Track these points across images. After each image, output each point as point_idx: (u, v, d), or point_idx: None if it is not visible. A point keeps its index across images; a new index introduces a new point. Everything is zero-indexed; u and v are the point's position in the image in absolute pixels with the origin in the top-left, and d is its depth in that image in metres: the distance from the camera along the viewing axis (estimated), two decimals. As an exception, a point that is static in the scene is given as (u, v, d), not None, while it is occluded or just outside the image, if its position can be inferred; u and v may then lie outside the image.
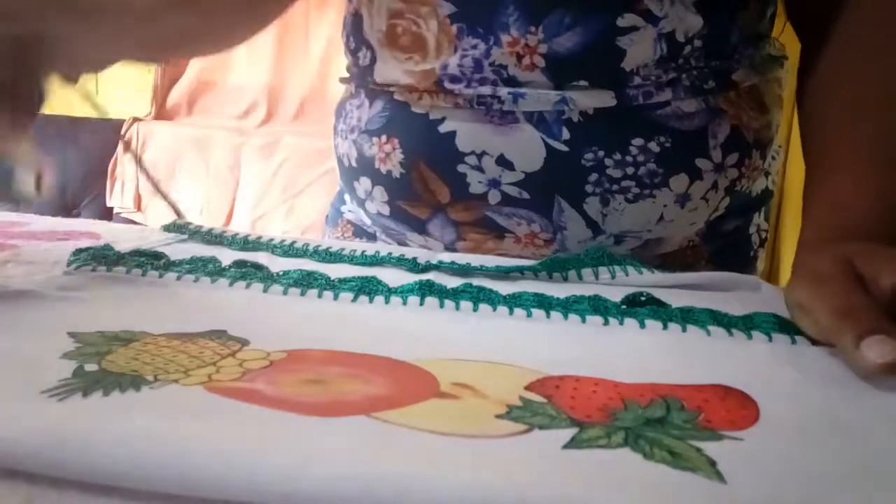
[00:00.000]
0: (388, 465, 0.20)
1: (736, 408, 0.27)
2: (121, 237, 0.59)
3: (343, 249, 0.53)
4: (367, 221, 0.66)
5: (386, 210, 0.61)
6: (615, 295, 0.43)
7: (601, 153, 0.53)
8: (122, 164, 2.24)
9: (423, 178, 0.56)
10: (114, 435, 0.21)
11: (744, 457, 0.22)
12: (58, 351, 0.28)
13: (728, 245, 0.63)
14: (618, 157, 0.53)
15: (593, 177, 0.53)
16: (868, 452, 0.24)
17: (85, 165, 2.28)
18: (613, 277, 0.49)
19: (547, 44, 0.51)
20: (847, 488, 0.21)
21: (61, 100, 2.46)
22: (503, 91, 0.52)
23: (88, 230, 0.67)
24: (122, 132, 2.25)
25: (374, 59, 0.58)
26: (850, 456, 0.24)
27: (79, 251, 0.50)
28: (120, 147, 2.25)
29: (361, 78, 0.60)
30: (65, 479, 0.20)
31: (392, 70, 0.57)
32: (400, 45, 0.55)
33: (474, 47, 0.52)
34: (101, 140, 2.29)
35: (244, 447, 0.21)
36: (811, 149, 0.51)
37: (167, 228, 0.61)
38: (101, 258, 0.48)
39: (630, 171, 0.53)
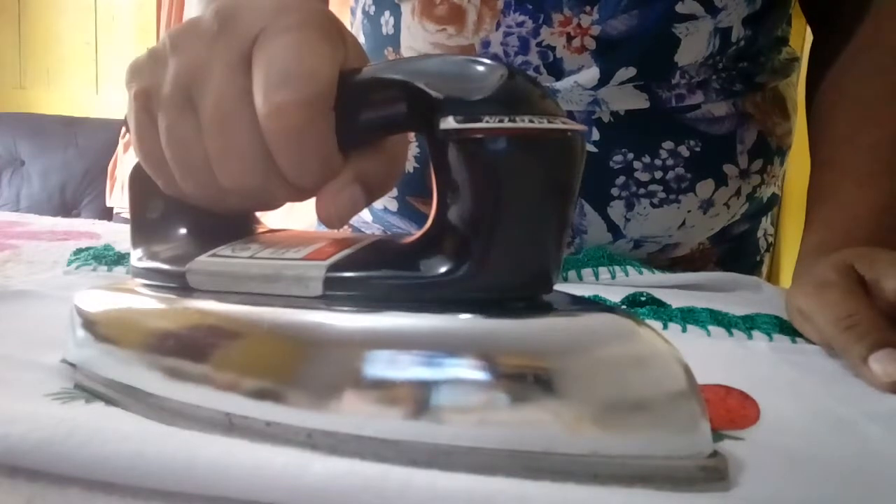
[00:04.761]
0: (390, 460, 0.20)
1: (736, 408, 0.27)
2: (121, 237, 0.60)
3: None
4: (368, 218, 0.65)
5: (393, 206, 0.60)
6: (615, 295, 0.43)
7: (630, 155, 0.52)
8: (122, 164, 2.24)
9: None
10: (115, 432, 0.21)
11: (744, 457, 0.22)
12: (58, 352, 0.28)
13: (736, 248, 0.62)
14: (647, 160, 0.52)
15: (620, 180, 0.52)
16: (868, 452, 0.24)
17: (85, 165, 2.28)
18: (613, 277, 0.49)
19: (601, 25, 0.49)
20: (847, 488, 0.21)
21: (61, 100, 2.46)
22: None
23: (88, 230, 0.67)
24: (122, 132, 2.24)
25: (398, 27, 0.55)
26: (850, 456, 0.24)
27: (79, 251, 0.50)
28: (120, 147, 2.25)
29: (380, 49, 0.57)
30: (66, 477, 0.20)
31: (418, 41, 0.54)
32: (435, 14, 0.52)
33: (520, 25, 0.50)
34: (101, 140, 2.28)
35: (246, 443, 0.21)
36: (818, 149, 0.51)
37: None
38: (101, 258, 0.48)
39: (658, 174, 0.52)
